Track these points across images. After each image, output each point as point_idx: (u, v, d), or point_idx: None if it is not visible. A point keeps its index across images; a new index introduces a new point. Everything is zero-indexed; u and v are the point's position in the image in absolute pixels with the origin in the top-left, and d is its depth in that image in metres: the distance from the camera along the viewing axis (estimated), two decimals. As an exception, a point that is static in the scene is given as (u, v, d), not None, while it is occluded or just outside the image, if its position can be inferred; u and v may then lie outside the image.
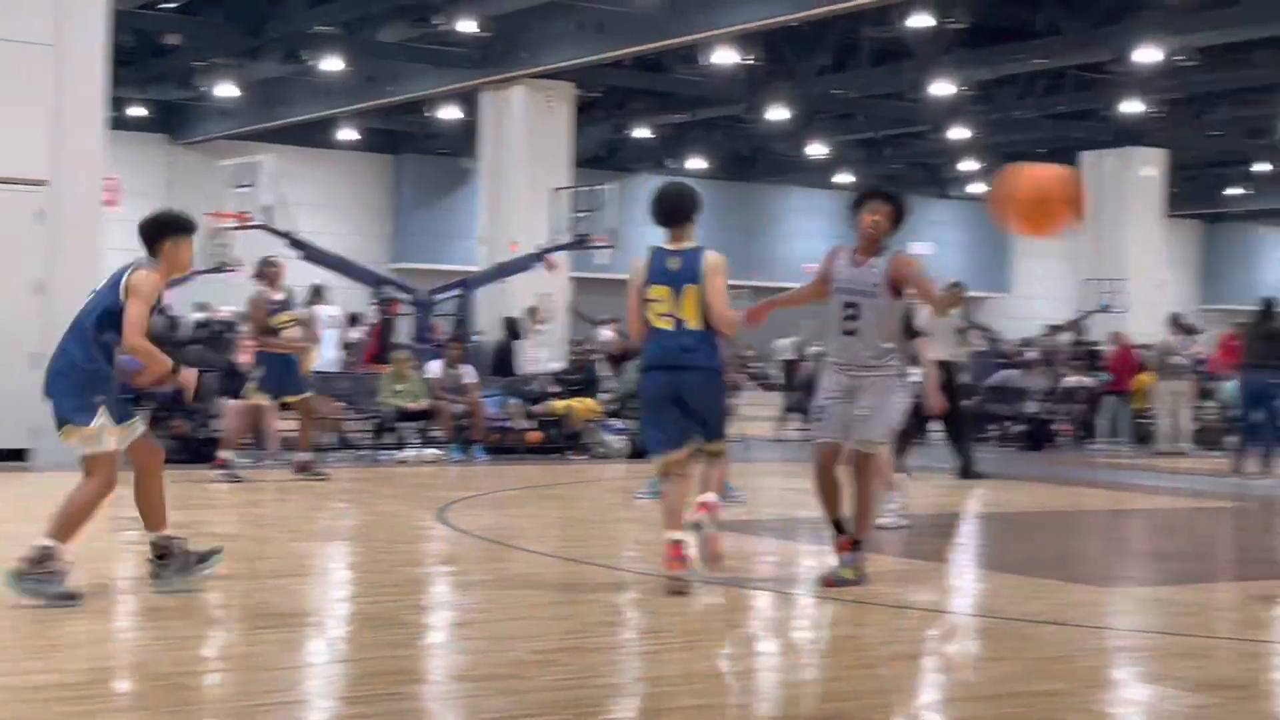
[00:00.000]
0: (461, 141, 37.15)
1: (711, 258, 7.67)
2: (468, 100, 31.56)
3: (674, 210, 7.79)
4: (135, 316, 6.92)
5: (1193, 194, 46.40)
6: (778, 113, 32.99)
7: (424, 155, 41.83)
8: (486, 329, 24.79)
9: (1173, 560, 10.14)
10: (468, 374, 16.76)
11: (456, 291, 22.83)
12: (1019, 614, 7.44)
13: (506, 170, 28.61)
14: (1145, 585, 8.92)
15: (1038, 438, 20.40)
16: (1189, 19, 25.02)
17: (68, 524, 6.89)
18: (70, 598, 6.76)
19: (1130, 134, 35.33)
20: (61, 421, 6.97)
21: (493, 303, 25.27)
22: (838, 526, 7.99)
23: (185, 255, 7.27)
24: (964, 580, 9.03)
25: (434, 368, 16.70)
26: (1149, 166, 35.66)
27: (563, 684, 5.66)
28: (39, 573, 6.76)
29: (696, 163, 42.40)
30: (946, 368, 14.64)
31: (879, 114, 35.53)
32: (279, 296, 13.64)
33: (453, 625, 7.16)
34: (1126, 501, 13.97)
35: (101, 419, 6.92)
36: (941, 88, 29.75)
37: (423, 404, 16.17)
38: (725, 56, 27.46)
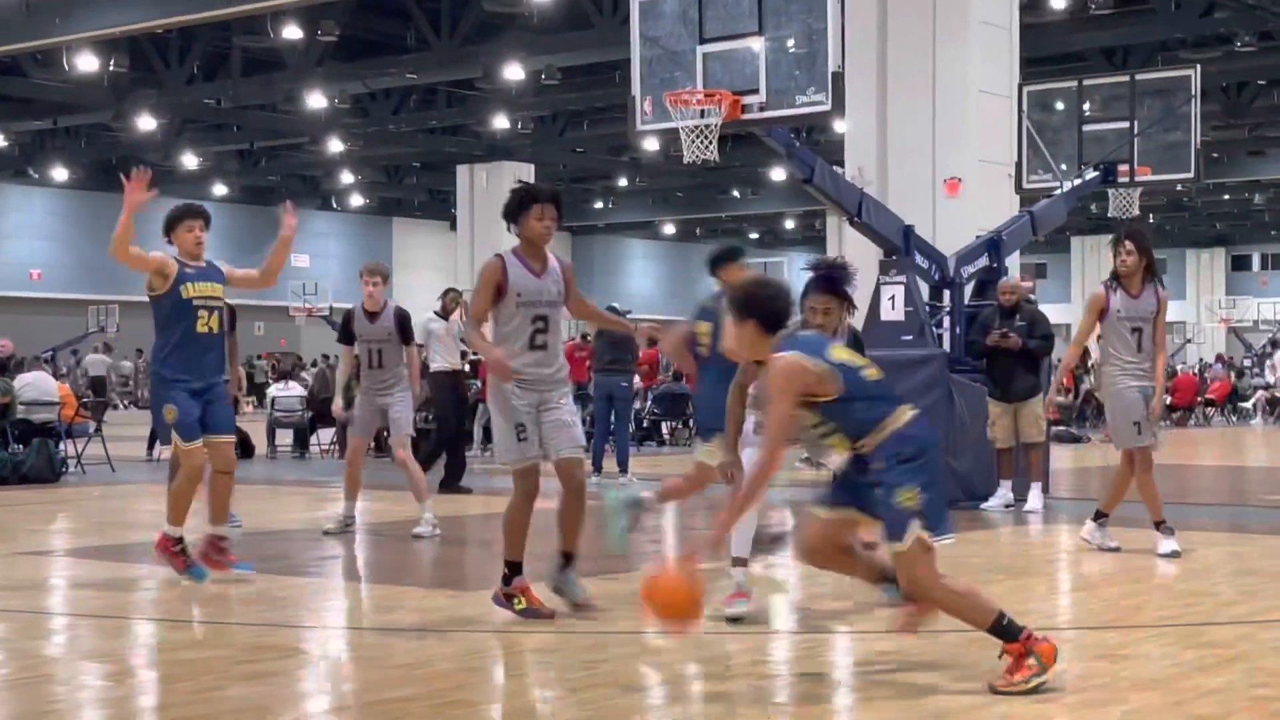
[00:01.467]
0: None
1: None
2: None
3: None
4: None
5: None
6: (146, 121, 31.97)
7: None
8: None
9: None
10: None
11: None
12: (384, 624, 7.53)
13: None
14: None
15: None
16: (551, 40, 26.20)
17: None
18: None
19: (501, 149, 36.62)
20: None
21: None
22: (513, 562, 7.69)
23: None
24: (337, 594, 9.03)
25: None
26: (519, 181, 37.06)
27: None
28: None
29: (60, 172, 40.40)
30: (455, 376, 15.11)
31: (253, 125, 35.10)
32: None
33: None
34: (494, 506, 14.35)
35: None
36: (315, 99, 29.72)
37: None
38: (87, 62, 26.31)
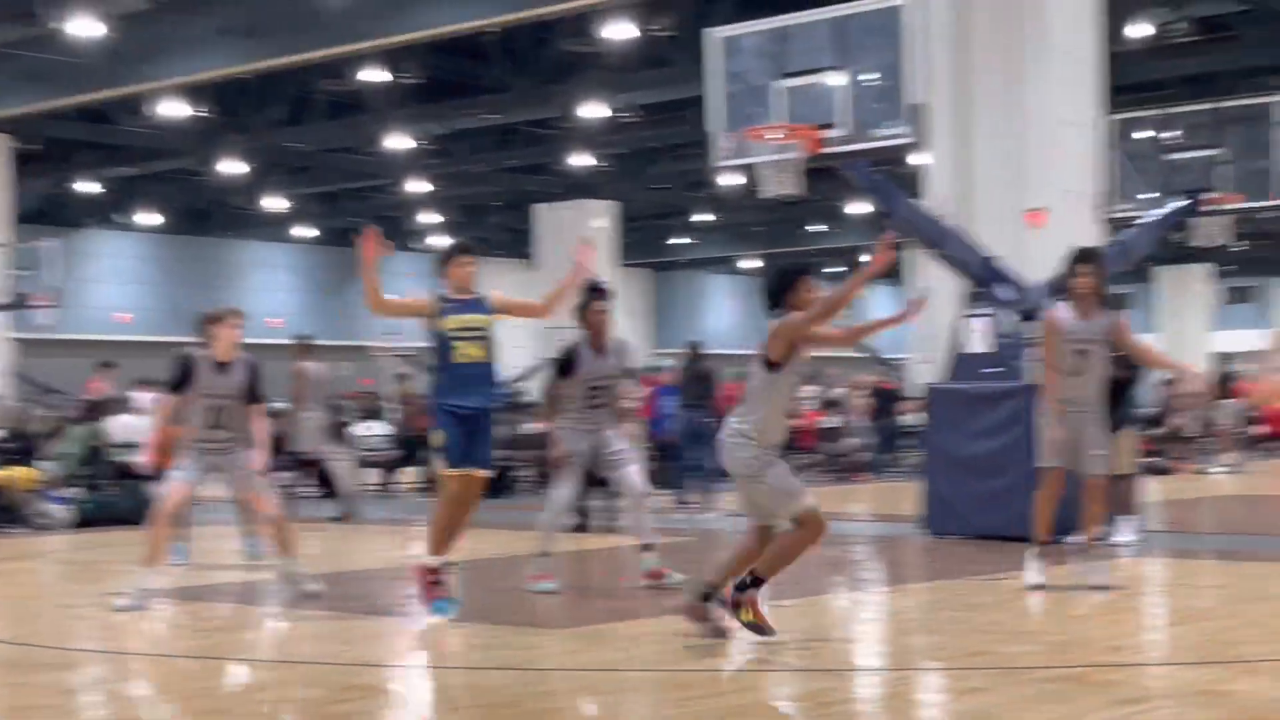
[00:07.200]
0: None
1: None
2: (-108, 152, 29.41)
3: None
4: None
5: (642, 244, 48.70)
6: (232, 166, 32.41)
7: None
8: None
9: (618, 598, 10.51)
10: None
11: None
12: (475, 662, 7.54)
13: (-63, 226, 26.86)
14: (588, 624, 9.20)
15: (499, 485, 20.72)
16: (628, 78, 26.29)
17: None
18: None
19: (581, 187, 36.75)
20: None
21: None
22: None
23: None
24: (424, 634, 9.06)
25: None
26: (600, 218, 37.17)
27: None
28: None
29: (149, 217, 41.01)
30: None
31: (336, 167, 35.45)
32: None
33: None
34: (583, 542, 14.37)
35: None
36: (397, 141, 30.02)
37: None
38: (175, 108, 26.73)
